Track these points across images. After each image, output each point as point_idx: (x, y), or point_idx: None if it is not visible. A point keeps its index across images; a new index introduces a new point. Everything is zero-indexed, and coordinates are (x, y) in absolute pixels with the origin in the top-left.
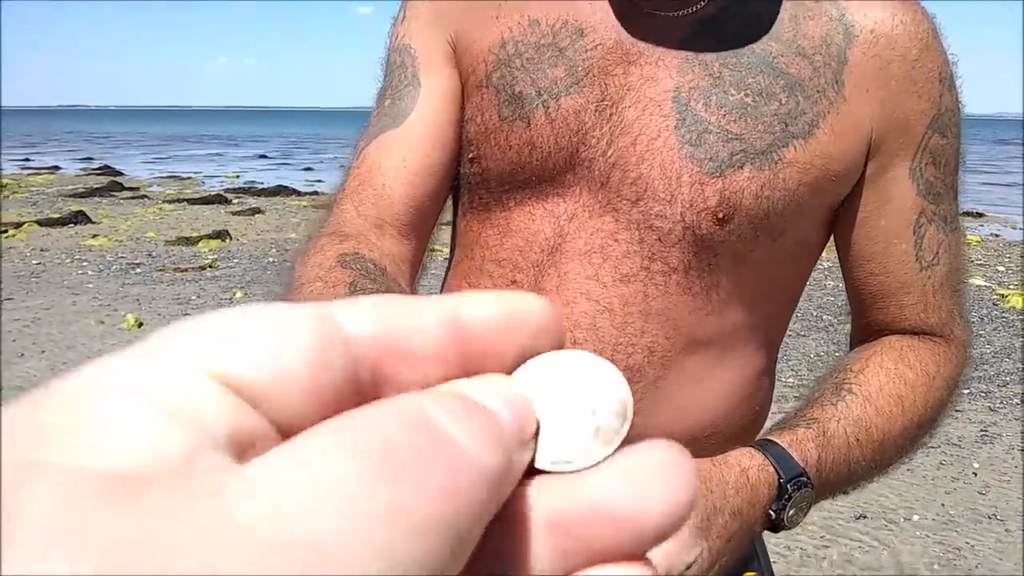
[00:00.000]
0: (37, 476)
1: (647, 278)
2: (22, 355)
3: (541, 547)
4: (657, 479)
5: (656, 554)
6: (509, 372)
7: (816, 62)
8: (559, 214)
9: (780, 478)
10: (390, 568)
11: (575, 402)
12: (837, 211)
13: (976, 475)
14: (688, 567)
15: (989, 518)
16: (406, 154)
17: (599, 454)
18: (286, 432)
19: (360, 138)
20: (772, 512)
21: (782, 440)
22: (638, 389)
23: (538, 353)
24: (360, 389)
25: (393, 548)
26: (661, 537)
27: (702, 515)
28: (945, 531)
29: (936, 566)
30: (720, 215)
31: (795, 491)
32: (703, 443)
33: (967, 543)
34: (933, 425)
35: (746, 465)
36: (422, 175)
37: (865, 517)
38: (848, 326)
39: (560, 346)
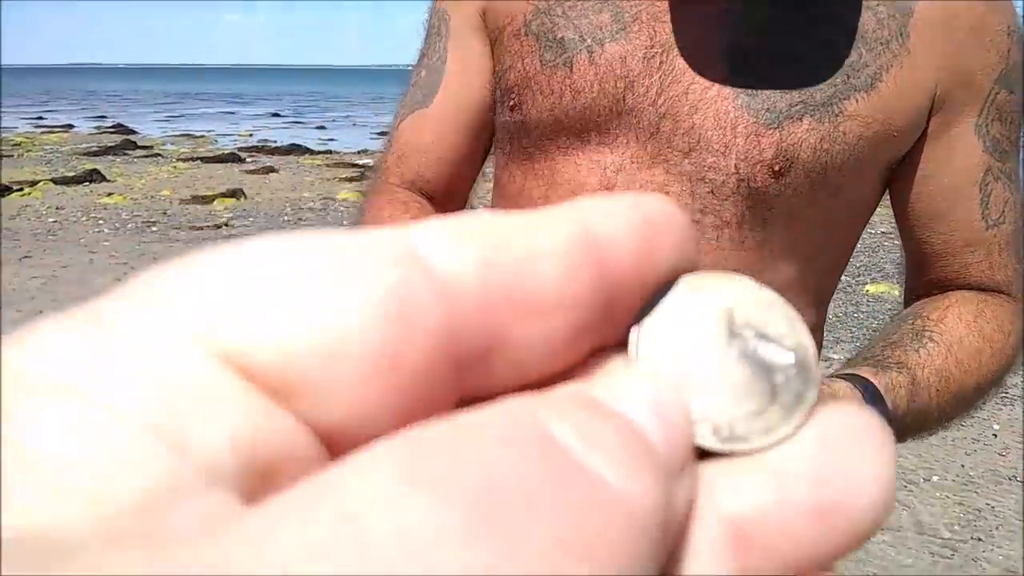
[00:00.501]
0: None
1: (699, 232)
2: (40, 312)
3: (719, 564)
4: (859, 456)
5: None
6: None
7: (880, 13)
8: (606, 165)
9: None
10: None
11: (744, 354)
12: (896, 168)
13: (996, 436)
14: None
15: (1009, 479)
16: (435, 136)
17: (782, 427)
18: (335, 444)
19: (399, 106)
20: None
21: (878, 381)
22: None
23: (674, 277)
24: (457, 366)
25: None
26: (871, 533)
27: None
28: (965, 492)
29: (956, 527)
30: (776, 168)
31: None
32: None
33: (987, 504)
34: (1001, 383)
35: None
36: (451, 152)
37: None
38: (868, 286)
39: (696, 267)
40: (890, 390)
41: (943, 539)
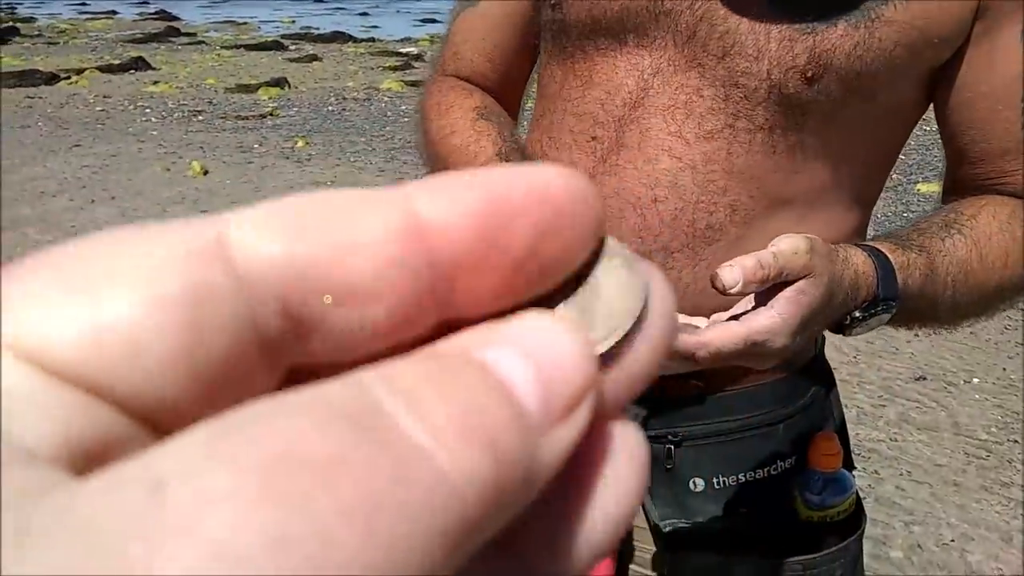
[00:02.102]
0: None
1: (731, 136)
2: (93, 201)
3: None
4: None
5: (755, 325)
6: (503, 287)
7: None
8: (643, 67)
9: (877, 294)
10: None
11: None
12: (939, 73)
13: None
14: (774, 350)
15: None
16: (485, 34)
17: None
18: (162, 427)
19: (455, 2)
20: (849, 318)
21: (895, 258)
22: (719, 248)
23: (559, 255)
24: (269, 349)
25: None
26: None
27: (815, 310)
28: (1005, 395)
29: (993, 429)
30: (809, 74)
31: (882, 312)
32: None
33: None
34: None
35: (860, 271)
36: (502, 49)
37: (925, 378)
38: (917, 185)
39: (593, 239)
40: (904, 268)
41: (979, 440)
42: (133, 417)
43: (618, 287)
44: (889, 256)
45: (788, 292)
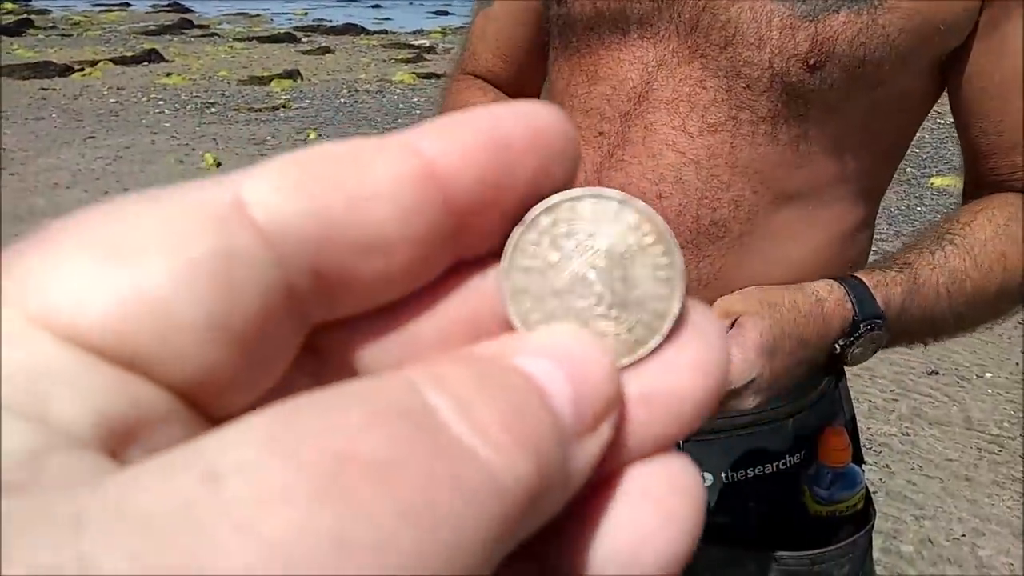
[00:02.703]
0: None
1: (734, 128)
2: (106, 193)
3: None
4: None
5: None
6: (508, 229)
7: None
8: (648, 61)
9: (855, 316)
10: None
11: (608, 294)
12: (949, 62)
13: None
14: (747, 384)
15: None
16: (499, 33)
17: (649, 343)
18: (202, 401)
19: (475, 2)
20: (837, 347)
21: (868, 279)
22: (723, 245)
23: (548, 195)
24: (300, 308)
25: None
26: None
27: (768, 338)
28: (1017, 389)
29: (1006, 424)
30: (811, 62)
31: (867, 331)
32: None
33: None
34: None
35: (823, 296)
36: (516, 48)
37: (937, 373)
38: (931, 178)
39: (573, 177)
40: (881, 285)
41: (991, 435)
42: (169, 389)
43: (654, 282)
44: (862, 278)
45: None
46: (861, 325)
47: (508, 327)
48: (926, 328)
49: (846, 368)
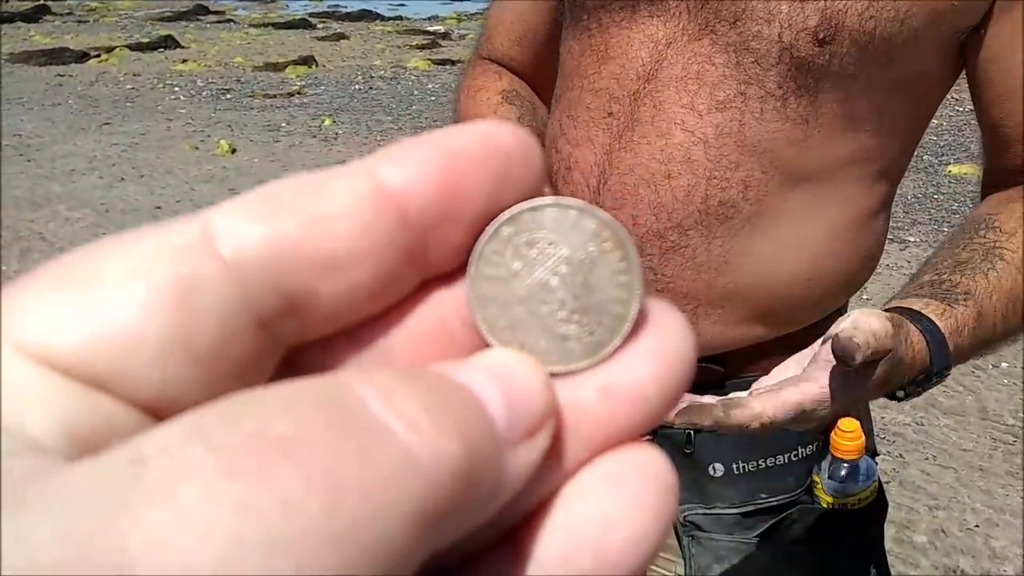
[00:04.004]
0: None
1: (743, 104)
2: (122, 179)
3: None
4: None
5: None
6: (469, 242)
7: None
8: (658, 38)
9: (931, 367)
10: None
11: (560, 304)
12: (967, 42)
13: None
14: (820, 417)
15: None
16: (513, 17)
17: (586, 361)
18: (168, 415)
19: None
20: (902, 391)
21: (944, 326)
22: (733, 226)
23: (506, 207)
24: (272, 330)
25: (243, 567)
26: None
27: (859, 391)
28: None
29: (1021, 414)
30: (821, 35)
31: (932, 385)
32: (805, 286)
33: None
34: None
35: (917, 349)
36: (530, 32)
37: None
38: (951, 167)
39: (538, 188)
40: (955, 332)
41: (1006, 425)
42: (136, 406)
43: (613, 286)
44: (939, 324)
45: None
46: (933, 377)
47: (477, 336)
48: (980, 352)
49: None
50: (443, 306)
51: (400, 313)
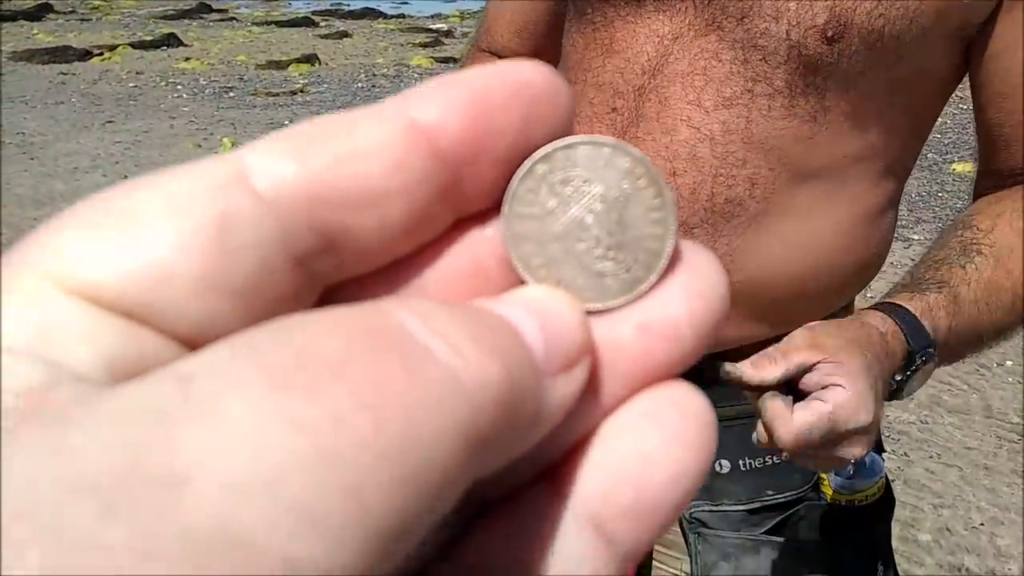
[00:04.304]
0: None
1: (750, 101)
2: (125, 177)
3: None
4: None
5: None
6: (502, 180)
7: None
8: (663, 33)
9: (910, 348)
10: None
11: (596, 239)
12: (972, 41)
13: None
14: (862, 428)
15: None
16: (513, 9)
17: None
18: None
19: None
20: (894, 382)
21: (913, 307)
22: (739, 224)
23: (540, 144)
24: (310, 268)
25: (295, 479)
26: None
27: (864, 373)
28: None
29: None
30: (829, 33)
31: (922, 364)
32: (812, 285)
33: None
34: None
35: (884, 330)
36: (530, 24)
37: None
38: (955, 165)
39: (568, 127)
40: (926, 312)
41: (1011, 424)
42: (175, 340)
43: (648, 223)
44: (907, 306)
45: (827, 367)
46: (916, 357)
47: (511, 274)
48: (971, 344)
49: None
50: (477, 245)
51: (434, 252)
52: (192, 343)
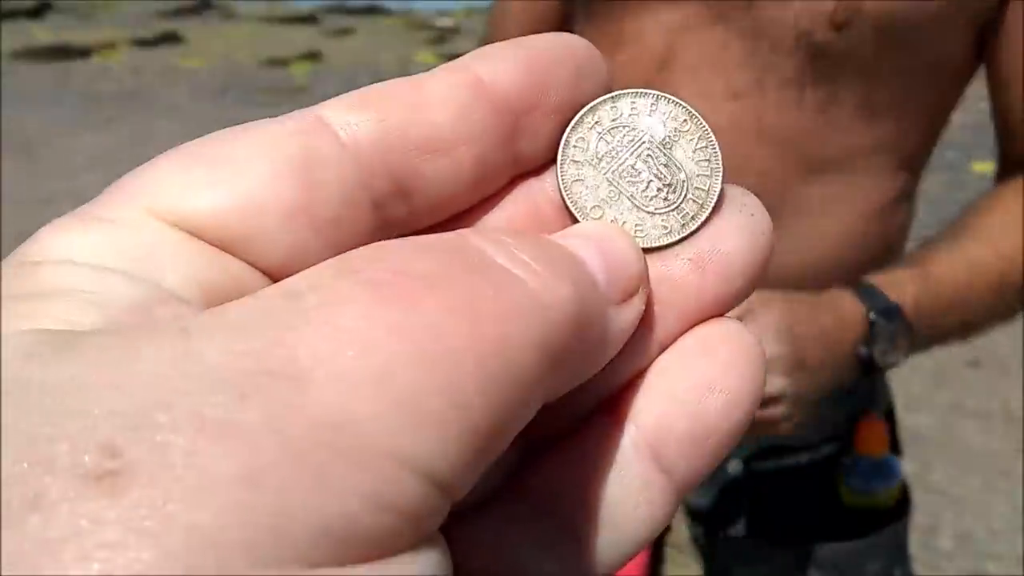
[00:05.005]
0: None
1: (759, 92)
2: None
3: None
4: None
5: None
6: (560, 129)
7: None
8: (672, 24)
9: (868, 311)
10: (402, 396)
11: (650, 177)
12: (987, 27)
13: None
14: (782, 394)
15: None
16: (520, 10)
17: (685, 229)
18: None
19: None
20: (862, 350)
21: (874, 279)
22: None
23: (585, 102)
24: (385, 213)
25: (403, 378)
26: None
27: (786, 320)
28: None
29: None
30: (838, 20)
31: (885, 325)
32: (824, 278)
33: None
34: None
35: (839, 304)
36: (540, 23)
37: (978, 364)
38: (975, 164)
39: (608, 88)
40: (887, 283)
41: None
42: (261, 271)
43: (695, 164)
44: (869, 279)
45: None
46: (876, 319)
47: (567, 219)
48: (956, 320)
49: None
50: (535, 194)
51: (495, 203)
52: (278, 274)
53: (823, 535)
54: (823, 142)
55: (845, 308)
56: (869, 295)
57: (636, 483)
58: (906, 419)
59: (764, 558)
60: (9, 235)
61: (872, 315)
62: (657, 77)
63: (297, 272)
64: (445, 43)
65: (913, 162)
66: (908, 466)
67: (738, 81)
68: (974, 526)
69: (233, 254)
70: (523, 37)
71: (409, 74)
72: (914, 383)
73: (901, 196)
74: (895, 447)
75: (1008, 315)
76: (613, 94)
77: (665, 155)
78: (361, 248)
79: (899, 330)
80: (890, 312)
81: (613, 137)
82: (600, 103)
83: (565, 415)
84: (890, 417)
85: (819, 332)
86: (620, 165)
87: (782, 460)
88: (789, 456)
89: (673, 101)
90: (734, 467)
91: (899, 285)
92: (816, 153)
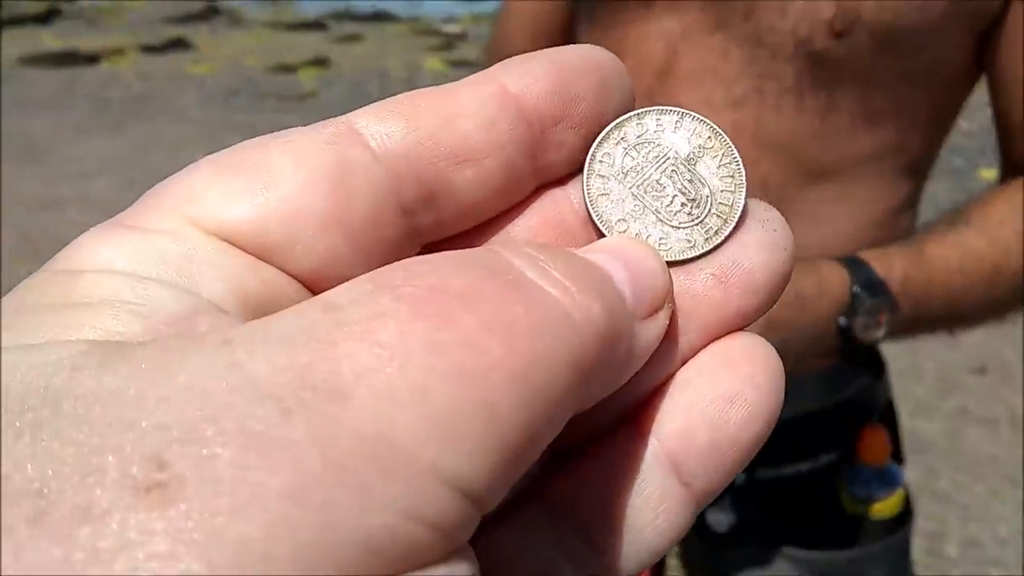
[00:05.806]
0: (10, 354)
1: (759, 100)
2: (133, 182)
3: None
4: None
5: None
6: (585, 142)
7: None
8: (673, 32)
9: (851, 283)
10: (435, 411)
11: (674, 191)
12: (987, 33)
13: None
14: None
15: None
16: (527, 13)
17: (707, 244)
18: (323, 288)
19: None
20: (842, 320)
21: (865, 253)
22: None
23: (611, 116)
24: (413, 221)
25: (440, 393)
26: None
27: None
28: None
29: None
30: (837, 28)
31: (868, 298)
32: None
33: None
34: None
35: (823, 272)
36: (544, 29)
37: (985, 370)
38: (983, 171)
39: (631, 103)
40: (876, 257)
41: None
42: (298, 277)
43: (719, 179)
44: (855, 256)
45: None
46: (857, 288)
47: (592, 232)
48: (946, 307)
49: (889, 365)
50: (560, 207)
51: (521, 212)
52: (312, 282)
53: (825, 543)
54: (823, 149)
55: (829, 277)
56: (856, 267)
57: (656, 493)
58: (912, 426)
59: (765, 566)
60: (17, 239)
61: (855, 288)
62: (658, 84)
63: (329, 278)
64: (452, 49)
65: (915, 169)
66: (914, 473)
67: (738, 89)
68: (980, 533)
69: (269, 262)
70: (550, 49)
71: (417, 79)
72: (920, 390)
73: (904, 203)
74: (897, 455)
75: (1000, 311)
76: (639, 111)
77: (689, 171)
78: (398, 263)
79: (882, 305)
80: (874, 285)
81: (639, 153)
82: (626, 119)
83: (588, 425)
84: (893, 425)
85: (794, 295)
86: (645, 180)
87: (782, 469)
88: (790, 465)
89: (698, 119)
90: (737, 477)
91: (888, 260)
92: (816, 160)
